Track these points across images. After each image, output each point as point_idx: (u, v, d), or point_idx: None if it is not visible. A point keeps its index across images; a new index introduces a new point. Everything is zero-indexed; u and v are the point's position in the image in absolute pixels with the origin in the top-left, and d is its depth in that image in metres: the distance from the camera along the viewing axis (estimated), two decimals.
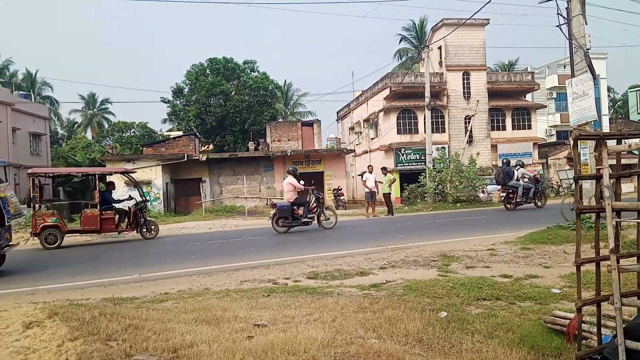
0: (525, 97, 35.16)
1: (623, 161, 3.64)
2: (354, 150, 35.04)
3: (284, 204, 14.12)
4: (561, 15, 10.83)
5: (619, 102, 60.51)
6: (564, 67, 43.13)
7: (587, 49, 10.34)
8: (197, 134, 35.38)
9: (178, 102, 38.77)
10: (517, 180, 18.14)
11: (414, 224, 14.90)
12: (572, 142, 3.52)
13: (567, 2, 10.66)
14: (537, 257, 8.11)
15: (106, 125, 53.29)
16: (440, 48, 31.55)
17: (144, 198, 15.18)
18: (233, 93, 36.74)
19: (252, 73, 38.60)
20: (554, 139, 43.58)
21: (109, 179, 16.02)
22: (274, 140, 32.69)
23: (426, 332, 4.08)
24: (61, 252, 12.77)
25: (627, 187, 22.65)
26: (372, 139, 34.26)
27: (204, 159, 27.19)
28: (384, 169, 20.96)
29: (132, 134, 44.78)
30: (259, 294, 5.93)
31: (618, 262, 3.05)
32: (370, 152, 34.73)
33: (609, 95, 54.65)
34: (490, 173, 29.74)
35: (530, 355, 3.62)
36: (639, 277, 3.42)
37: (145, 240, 14.30)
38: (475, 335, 4.01)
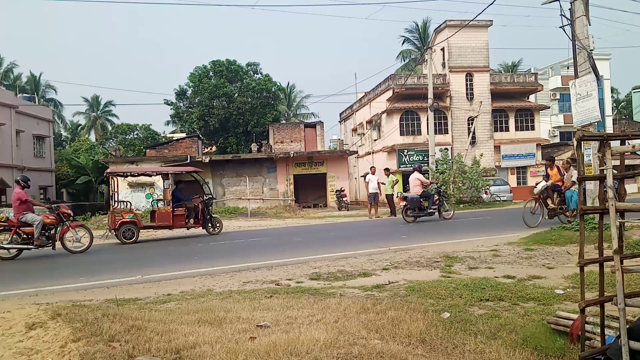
0: (528, 98, 35.11)
1: (627, 162, 3.64)
2: (356, 152, 35.05)
3: (413, 196, 15.72)
4: (565, 16, 10.81)
5: (622, 103, 60.33)
6: (568, 68, 43.08)
7: (590, 50, 10.31)
8: (200, 135, 35.45)
9: (181, 104, 38.88)
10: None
11: (417, 225, 14.87)
12: (575, 143, 3.51)
13: (571, 3, 10.64)
14: (541, 258, 8.08)
15: (109, 128, 53.50)
16: (443, 49, 31.55)
17: (210, 195, 15.83)
18: (236, 95, 36.82)
19: (255, 75, 38.70)
20: (557, 140, 43.48)
21: (177, 177, 16.71)
22: (276, 142, 32.71)
23: (429, 333, 4.06)
24: (137, 246, 13.27)
25: (631, 187, 22.56)
26: (375, 140, 34.26)
27: (206, 160, 27.24)
28: (386, 170, 20.95)
29: (136, 136, 44.92)
30: (261, 295, 5.93)
31: (622, 262, 3.03)
32: (373, 153, 34.73)
33: (612, 96, 54.47)
34: (494, 174, 29.73)
35: (534, 356, 3.61)
36: None
37: (210, 236, 14.82)
38: (478, 336, 4.00)
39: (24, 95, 41.28)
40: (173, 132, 47.28)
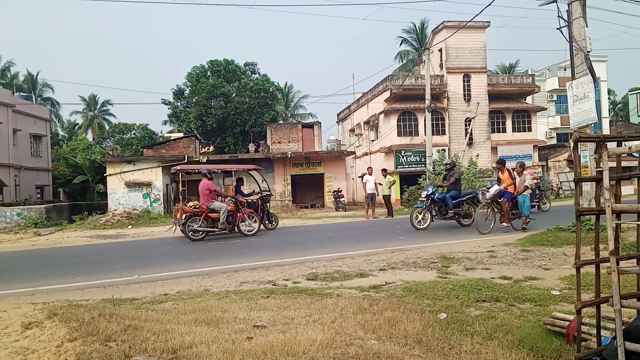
0: (525, 100, 35.18)
1: (623, 164, 3.65)
2: (354, 152, 35.06)
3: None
4: (562, 17, 10.84)
5: (619, 105, 60.52)
6: (565, 69, 43.22)
7: (587, 52, 10.35)
8: (198, 135, 35.38)
9: (179, 103, 38.78)
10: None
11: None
12: (572, 144, 3.52)
13: (568, 4, 10.66)
14: (537, 259, 8.10)
15: (107, 127, 53.35)
16: (440, 50, 31.59)
17: (267, 192, 16.43)
18: (234, 95, 36.76)
19: (253, 75, 38.63)
20: (554, 141, 43.59)
21: (238, 175, 17.75)
22: (274, 142, 32.69)
23: (426, 333, 4.07)
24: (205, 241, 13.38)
25: (627, 189, 22.64)
26: (373, 141, 34.28)
27: (204, 160, 27.18)
28: (384, 170, 20.97)
29: (133, 136, 44.80)
30: (258, 295, 5.93)
31: (618, 264, 3.04)
32: (370, 154, 34.75)
33: (609, 98, 54.65)
34: (491, 175, 29.77)
35: (530, 357, 3.62)
36: (639, 279, 3.42)
37: (267, 230, 15.34)
38: (474, 337, 4.01)
39: (21, 94, 41.13)
40: (170, 132, 47.19)
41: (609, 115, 50.06)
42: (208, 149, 39.60)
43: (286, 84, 52.41)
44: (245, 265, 8.75)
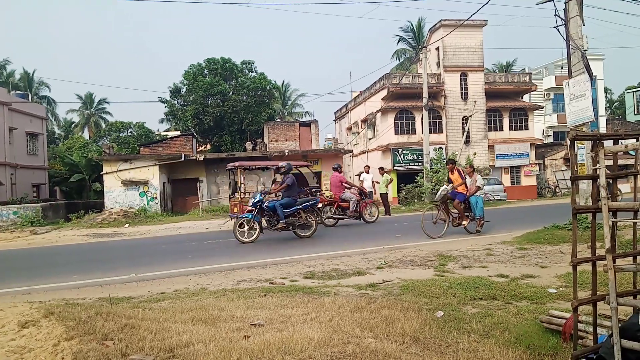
0: (522, 98, 35.24)
1: (620, 162, 3.65)
2: (351, 151, 35.08)
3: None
4: (559, 16, 10.84)
5: (615, 103, 60.70)
6: (562, 68, 43.27)
7: (584, 50, 10.36)
8: (195, 134, 35.34)
9: (175, 102, 38.69)
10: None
11: (411, 224, 14.89)
12: (569, 142, 3.53)
13: (565, 3, 10.67)
14: (534, 257, 8.13)
15: (103, 125, 53.18)
16: (438, 49, 31.61)
17: (317, 188, 17.47)
18: (231, 93, 36.70)
19: (250, 73, 38.57)
20: (551, 139, 43.67)
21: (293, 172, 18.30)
22: (271, 141, 32.67)
23: (423, 331, 4.08)
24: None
25: (624, 187, 22.70)
26: (370, 139, 34.29)
27: (201, 158, 27.14)
28: (381, 169, 20.96)
29: (130, 134, 44.69)
30: (255, 294, 5.93)
31: (614, 262, 3.05)
32: (367, 152, 34.76)
33: (606, 96, 54.77)
34: (488, 174, 29.83)
35: (527, 355, 3.63)
36: (635, 277, 3.43)
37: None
38: (471, 335, 4.01)
39: (17, 92, 40.93)
40: (167, 130, 47.11)
41: (606, 113, 50.15)
42: (205, 147, 39.54)
43: (283, 82, 52.40)
44: (242, 263, 8.75)
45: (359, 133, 37.34)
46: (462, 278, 6.42)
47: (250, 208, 12.18)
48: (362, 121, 36.58)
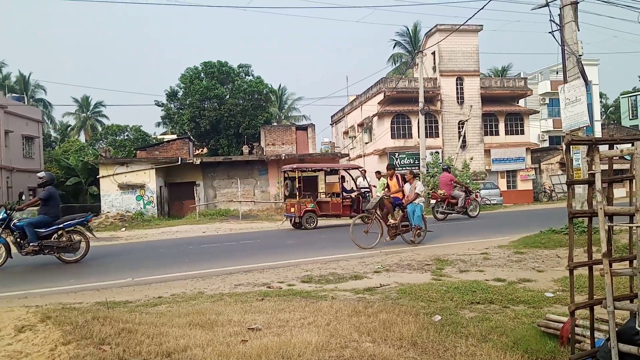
0: (518, 103, 35.37)
1: (615, 166, 3.68)
2: (348, 155, 35.11)
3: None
4: (554, 21, 10.90)
5: (610, 108, 61.04)
6: (557, 73, 43.45)
7: (579, 55, 10.42)
8: (191, 137, 35.28)
9: (172, 105, 38.64)
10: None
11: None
12: (564, 147, 3.55)
13: (560, 8, 10.75)
14: (531, 261, 8.15)
15: (100, 128, 53.04)
16: (434, 53, 31.72)
17: (367, 189, 18.12)
18: (227, 97, 36.69)
19: (247, 77, 38.58)
20: (546, 144, 43.86)
21: (341, 173, 19.87)
22: (268, 144, 32.66)
23: (420, 335, 4.08)
24: (315, 232, 14.91)
25: (620, 192, 22.81)
26: (366, 143, 34.32)
27: (198, 162, 27.11)
28: (377, 173, 20.98)
29: (126, 137, 44.61)
30: (253, 298, 5.92)
31: (610, 266, 3.07)
32: (364, 156, 34.79)
33: (601, 101, 55.09)
34: (484, 178, 29.89)
35: (524, 359, 3.64)
36: (632, 280, 3.45)
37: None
38: (469, 339, 4.02)
39: (13, 95, 40.85)
40: (164, 134, 47.01)
41: (601, 118, 50.47)
42: (201, 151, 39.50)
43: (280, 86, 52.51)
44: (239, 267, 8.74)
45: (355, 137, 37.38)
46: (460, 282, 6.43)
47: None
48: (358, 125, 36.63)
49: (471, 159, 28.12)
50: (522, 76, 39.41)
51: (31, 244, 9.87)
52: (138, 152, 31.60)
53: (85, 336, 3.77)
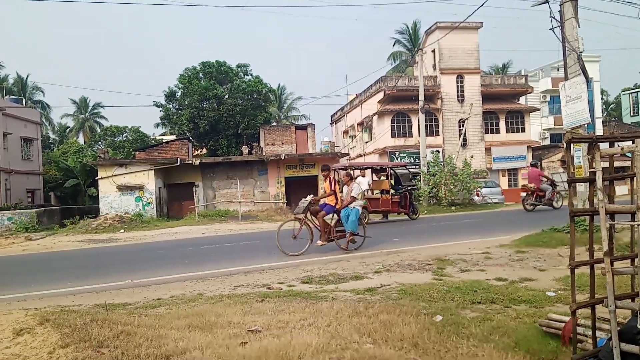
0: (518, 100, 35.36)
1: (616, 164, 3.65)
2: (348, 154, 35.09)
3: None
4: (554, 18, 10.86)
5: (612, 105, 61.00)
6: (558, 70, 43.49)
7: (580, 52, 10.39)
8: (190, 138, 35.26)
9: (171, 106, 38.61)
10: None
11: (409, 228, 14.89)
12: (565, 145, 3.52)
13: (560, 5, 10.71)
14: (532, 260, 8.12)
15: (98, 130, 53.05)
16: (434, 51, 31.70)
17: (414, 186, 18.88)
18: (226, 97, 36.66)
19: (246, 77, 38.55)
20: (547, 141, 43.81)
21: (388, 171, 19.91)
22: (267, 144, 32.65)
23: (421, 336, 4.05)
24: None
25: (621, 189, 22.78)
26: (367, 142, 34.32)
27: (197, 163, 27.07)
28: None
29: (125, 138, 44.62)
30: (252, 299, 5.89)
31: (612, 264, 3.04)
32: (364, 155, 34.78)
33: (602, 98, 55.04)
34: (485, 176, 29.84)
35: (526, 359, 3.61)
36: (633, 279, 3.42)
37: (411, 220, 17.44)
38: (470, 339, 3.99)
39: (11, 97, 40.82)
40: (163, 135, 47.02)
41: (602, 115, 50.42)
42: (201, 151, 39.48)
43: (279, 85, 52.46)
44: (239, 268, 8.71)
45: (355, 136, 37.37)
46: (461, 282, 6.40)
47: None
48: (358, 124, 36.63)
49: (472, 157, 28.11)
50: (522, 73, 39.42)
51: None
52: (137, 153, 31.59)
53: (83, 339, 3.74)
